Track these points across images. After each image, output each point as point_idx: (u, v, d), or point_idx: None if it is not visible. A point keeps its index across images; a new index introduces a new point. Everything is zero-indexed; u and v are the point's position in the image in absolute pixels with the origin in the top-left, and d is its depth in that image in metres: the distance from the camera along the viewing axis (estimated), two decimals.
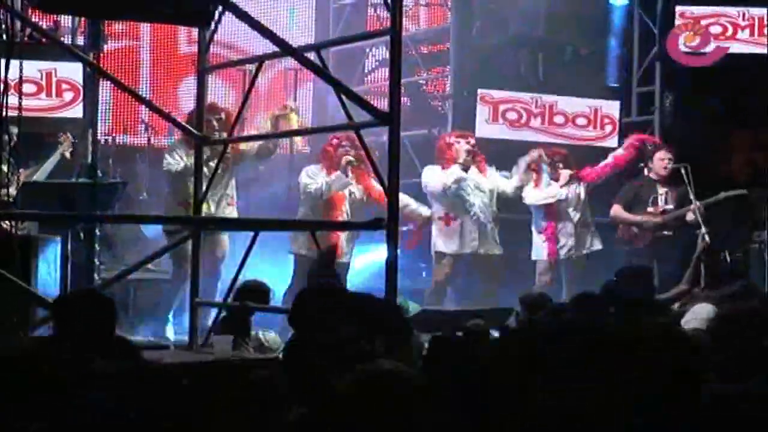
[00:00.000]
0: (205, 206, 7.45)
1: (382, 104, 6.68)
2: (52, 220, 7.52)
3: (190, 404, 2.81)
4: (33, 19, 7.61)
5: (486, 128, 10.21)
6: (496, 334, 7.01)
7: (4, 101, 6.21)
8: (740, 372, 3.34)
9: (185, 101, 10.73)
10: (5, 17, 6.35)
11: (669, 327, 3.31)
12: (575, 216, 9.22)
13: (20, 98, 6.47)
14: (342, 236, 8.55)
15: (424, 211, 8.93)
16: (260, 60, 7.19)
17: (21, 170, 8.05)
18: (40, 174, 8.25)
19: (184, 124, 7.35)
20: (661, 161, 9.31)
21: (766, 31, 10.38)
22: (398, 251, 5.72)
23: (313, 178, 8.57)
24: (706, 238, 8.68)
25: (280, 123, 8.21)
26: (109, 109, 10.69)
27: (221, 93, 10.96)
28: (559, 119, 10.44)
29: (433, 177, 8.94)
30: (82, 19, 9.01)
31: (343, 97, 6.14)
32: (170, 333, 8.05)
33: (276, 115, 8.35)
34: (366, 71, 11.96)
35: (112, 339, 4.16)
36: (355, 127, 6.35)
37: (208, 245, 7.44)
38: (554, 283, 9.09)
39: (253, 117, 11.02)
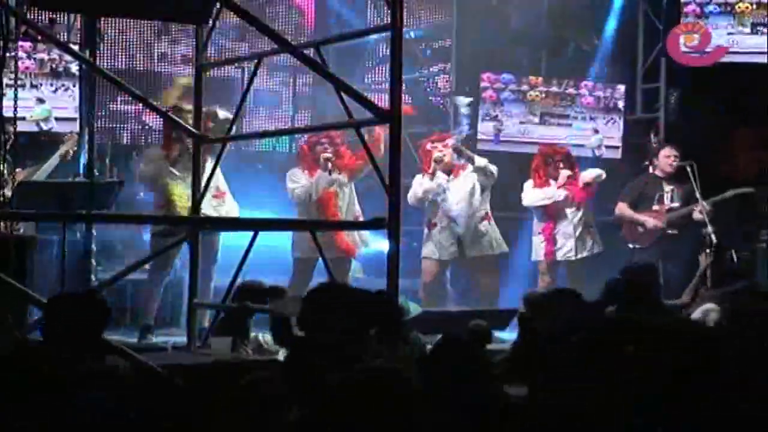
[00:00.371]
0: (189, 203, 7.48)
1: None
2: (48, 219, 7.55)
3: (187, 406, 2.83)
4: (29, 17, 7.63)
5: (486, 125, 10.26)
6: (497, 334, 7.08)
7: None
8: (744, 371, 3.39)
9: None
10: (0, 14, 6.37)
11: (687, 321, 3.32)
12: (575, 217, 9.19)
13: (16, 98, 6.50)
14: (345, 235, 8.55)
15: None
16: (259, 57, 7.22)
17: (19, 170, 8.07)
18: (41, 174, 8.23)
19: (182, 122, 7.37)
20: (666, 158, 9.31)
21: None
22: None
23: (297, 181, 8.57)
24: (713, 237, 8.69)
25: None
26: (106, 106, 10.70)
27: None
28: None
29: (414, 189, 8.95)
30: (78, 16, 9.03)
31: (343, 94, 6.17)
32: (154, 339, 7.98)
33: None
34: (366, 68, 11.98)
35: (102, 340, 4.18)
36: (355, 125, 6.38)
37: (204, 247, 7.40)
38: (555, 284, 9.08)
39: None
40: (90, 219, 7.74)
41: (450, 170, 8.94)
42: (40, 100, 9.27)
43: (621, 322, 4.07)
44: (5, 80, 6.44)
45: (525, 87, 10.58)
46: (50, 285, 7.36)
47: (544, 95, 10.59)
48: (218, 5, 6.78)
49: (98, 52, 9.26)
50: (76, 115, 9.21)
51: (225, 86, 10.69)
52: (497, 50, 10.86)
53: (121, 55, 10.73)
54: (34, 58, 9.30)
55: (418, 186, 8.92)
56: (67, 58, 9.06)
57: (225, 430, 2.68)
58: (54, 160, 8.31)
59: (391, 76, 5.98)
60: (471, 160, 8.87)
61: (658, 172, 9.37)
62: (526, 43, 11.19)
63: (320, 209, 8.53)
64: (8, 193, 6.98)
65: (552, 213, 9.20)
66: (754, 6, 10.51)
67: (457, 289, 9.48)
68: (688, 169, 8.94)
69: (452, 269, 9.21)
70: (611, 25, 10.84)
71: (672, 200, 9.32)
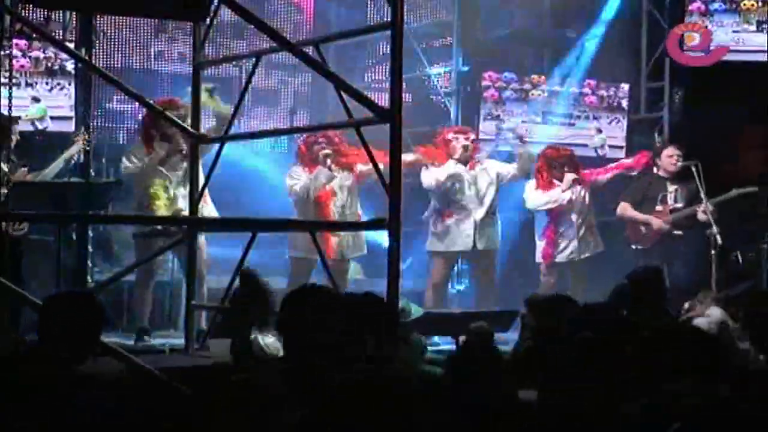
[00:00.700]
0: (166, 203, 7.50)
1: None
2: (45, 220, 7.57)
3: (186, 407, 2.85)
4: (24, 14, 7.65)
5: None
6: (503, 335, 7.10)
7: None
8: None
9: None
10: None
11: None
12: (578, 219, 9.22)
13: (10, 96, 6.51)
14: (334, 238, 8.55)
15: None
16: (257, 55, 7.24)
17: (24, 169, 8.09)
18: (47, 175, 8.22)
19: (179, 121, 7.39)
20: (670, 158, 9.31)
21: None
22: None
23: (296, 178, 8.58)
24: (718, 237, 8.70)
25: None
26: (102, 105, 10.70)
27: None
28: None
29: (428, 173, 8.97)
30: (74, 13, 9.05)
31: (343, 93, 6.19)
32: (152, 341, 7.99)
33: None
34: (366, 67, 11.99)
35: (98, 342, 4.19)
36: (355, 125, 6.40)
37: (185, 248, 7.40)
38: (558, 286, 9.11)
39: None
40: (87, 220, 7.76)
41: (467, 162, 8.98)
42: (36, 99, 9.26)
43: (621, 323, 4.10)
44: (0, 78, 6.46)
45: (527, 86, 10.58)
46: (46, 286, 7.38)
47: (546, 94, 10.60)
48: (216, 2, 6.80)
49: (94, 50, 9.31)
50: (72, 114, 9.23)
51: (223, 85, 10.72)
52: (499, 48, 10.87)
53: (118, 53, 10.72)
54: (29, 57, 9.29)
55: (441, 171, 8.94)
56: (63, 56, 9.06)
57: (225, 431, 2.70)
58: (61, 161, 8.30)
59: (391, 75, 6.00)
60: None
61: (661, 172, 9.37)
62: (529, 42, 11.20)
63: (317, 209, 8.54)
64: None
65: (555, 215, 9.23)
66: (760, 4, 10.52)
67: (459, 289, 9.50)
68: (693, 168, 8.94)
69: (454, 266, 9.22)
70: (608, 14, 10.79)
71: (675, 200, 9.31)
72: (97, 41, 9.76)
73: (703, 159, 9.07)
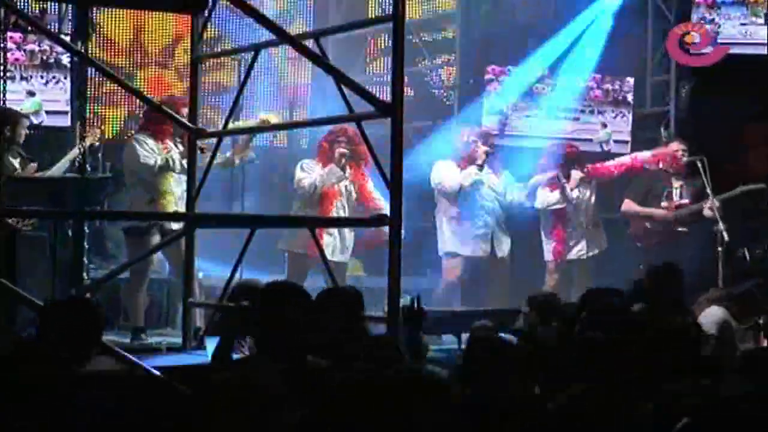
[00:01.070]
0: (173, 200, 7.51)
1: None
2: (41, 217, 7.57)
3: (185, 407, 2.86)
4: (19, 6, 7.66)
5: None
6: (502, 335, 7.10)
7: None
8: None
9: None
10: None
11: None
12: (585, 217, 9.24)
13: (5, 90, 6.52)
14: (330, 233, 8.55)
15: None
16: (256, 48, 7.24)
17: (33, 164, 8.11)
18: (55, 171, 8.23)
19: (177, 116, 7.39)
20: (675, 153, 9.31)
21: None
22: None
23: (308, 172, 8.59)
24: (725, 234, 8.70)
25: None
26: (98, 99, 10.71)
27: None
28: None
29: (449, 175, 8.99)
30: (70, 5, 9.06)
31: (344, 87, 6.20)
32: (148, 340, 7.98)
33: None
34: (367, 60, 11.99)
35: (98, 347, 4.21)
36: (356, 119, 6.40)
37: (176, 245, 7.40)
38: (562, 284, 9.12)
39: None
40: (83, 216, 7.77)
41: (482, 167, 9.04)
42: (31, 93, 9.28)
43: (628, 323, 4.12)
44: None
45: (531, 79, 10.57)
46: (42, 283, 7.39)
47: (550, 88, 10.59)
48: None
49: (90, 43, 9.32)
50: (68, 108, 9.24)
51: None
52: (503, 41, 10.87)
53: (114, 46, 10.73)
54: (24, 50, 9.31)
55: (464, 175, 8.98)
56: (59, 49, 9.08)
57: (225, 430, 2.71)
58: (71, 155, 8.30)
59: (393, 69, 6.00)
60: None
61: (666, 167, 9.37)
62: (533, 34, 11.18)
63: (320, 203, 8.55)
64: None
65: (563, 213, 9.24)
66: None
67: (466, 289, 9.50)
68: (699, 164, 8.94)
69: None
70: (613, 7, 10.78)
71: (681, 196, 9.31)
72: (94, 34, 9.76)
73: (710, 154, 9.06)
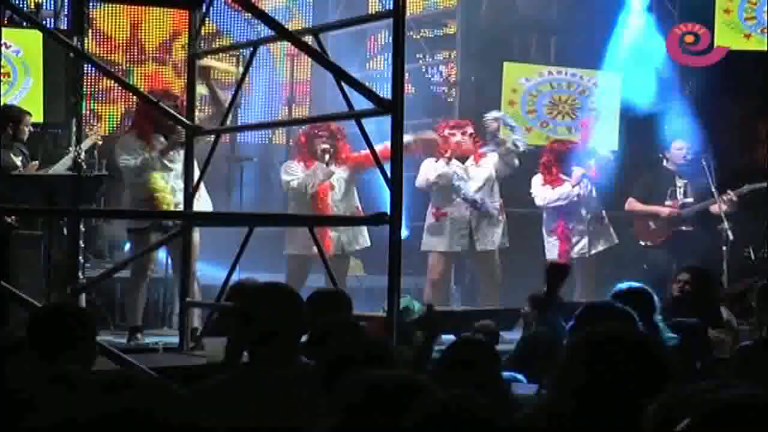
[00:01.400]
0: (170, 197, 7.49)
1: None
2: (35, 215, 7.57)
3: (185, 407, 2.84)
4: (14, 1, 7.65)
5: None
6: (504, 335, 7.10)
7: None
8: None
9: None
10: None
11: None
12: (587, 214, 9.18)
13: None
14: (331, 232, 8.54)
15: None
16: (255, 45, 7.23)
17: (35, 162, 8.10)
18: (58, 168, 8.21)
19: (173, 113, 7.38)
20: (679, 151, 9.29)
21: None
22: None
23: (292, 173, 8.56)
24: (730, 233, 8.70)
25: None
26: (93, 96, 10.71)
27: None
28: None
29: (421, 172, 8.95)
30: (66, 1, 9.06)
31: (344, 84, 6.19)
32: (145, 340, 7.97)
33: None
34: (367, 57, 12.00)
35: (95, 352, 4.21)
36: (356, 116, 6.39)
37: (176, 243, 7.38)
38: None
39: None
40: (79, 214, 7.76)
41: (466, 158, 8.95)
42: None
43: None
44: None
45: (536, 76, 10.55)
46: (36, 282, 7.38)
47: (553, 84, 10.56)
48: None
49: (86, 38, 9.31)
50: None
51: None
52: (504, 37, 10.86)
53: (111, 42, 10.73)
54: None
55: (431, 170, 8.91)
56: None
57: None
58: (73, 154, 8.29)
59: (393, 65, 5.99)
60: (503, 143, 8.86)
61: (669, 166, 9.36)
62: (535, 30, 11.18)
63: (314, 203, 8.52)
64: None
65: (565, 211, 9.17)
66: None
67: (462, 286, 9.49)
68: (703, 162, 8.93)
69: (457, 264, 9.19)
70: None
71: (685, 195, 9.28)
72: (90, 30, 9.76)
73: (715, 152, 9.05)
